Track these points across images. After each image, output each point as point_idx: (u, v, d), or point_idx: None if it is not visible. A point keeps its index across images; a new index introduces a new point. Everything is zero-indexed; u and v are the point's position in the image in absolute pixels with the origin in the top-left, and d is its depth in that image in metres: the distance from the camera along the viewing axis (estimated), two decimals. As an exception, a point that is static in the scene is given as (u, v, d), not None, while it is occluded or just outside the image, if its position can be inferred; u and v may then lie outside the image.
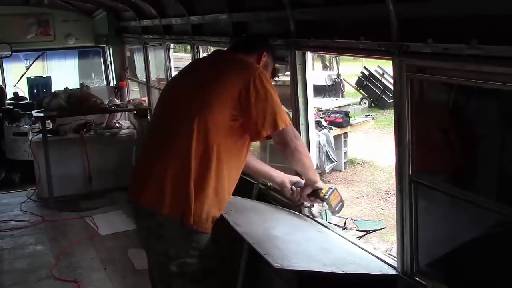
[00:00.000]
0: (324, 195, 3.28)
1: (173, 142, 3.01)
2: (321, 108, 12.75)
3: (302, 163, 3.20)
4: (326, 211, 3.60)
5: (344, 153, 11.77)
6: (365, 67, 19.30)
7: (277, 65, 3.53)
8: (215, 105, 2.98)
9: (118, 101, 8.01)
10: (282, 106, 3.11)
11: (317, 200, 3.38)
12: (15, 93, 9.52)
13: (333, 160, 11.15)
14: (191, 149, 2.93)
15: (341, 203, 3.34)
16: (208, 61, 3.46)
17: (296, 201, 3.46)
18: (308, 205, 3.55)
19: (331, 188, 3.30)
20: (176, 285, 3.06)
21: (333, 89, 18.07)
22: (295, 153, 3.13)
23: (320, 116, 11.68)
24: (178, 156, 2.96)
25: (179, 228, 2.97)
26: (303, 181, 3.37)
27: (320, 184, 3.32)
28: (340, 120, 11.80)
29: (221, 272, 3.26)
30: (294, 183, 3.41)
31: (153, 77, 7.89)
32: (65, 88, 7.58)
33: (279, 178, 3.45)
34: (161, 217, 2.97)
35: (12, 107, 8.87)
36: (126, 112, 8.42)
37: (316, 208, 3.67)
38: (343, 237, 3.40)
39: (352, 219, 3.74)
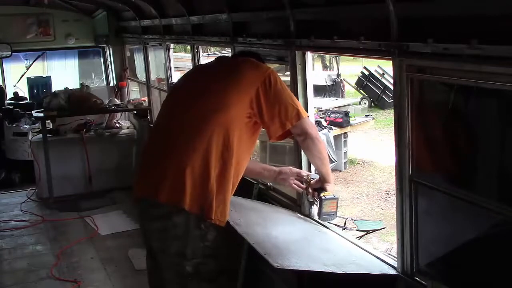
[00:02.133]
0: (323, 196, 3.35)
1: (190, 140, 3.03)
2: (321, 108, 12.76)
3: (321, 154, 3.29)
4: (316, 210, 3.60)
5: (344, 153, 11.77)
6: (365, 67, 19.30)
7: None
8: (232, 103, 3.06)
9: (118, 101, 8.01)
10: None
11: (315, 197, 3.45)
12: (15, 93, 9.53)
13: (333, 160, 11.15)
14: (212, 146, 2.99)
15: (332, 215, 3.42)
16: (217, 63, 3.51)
17: (304, 188, 3.54)
18: (311, 200, 3.59)
19: (334, 197, 3.37)
20: (191, 285, 3.07)
21: (333, 89, 18.07)
22: (316, 142, 3.23)
23: (320, 116, 11.69)
24: (197, 153, 2.98)
25: (195, 227, 3.00)
26: (316, 175, 3.45)
27: (329, 186, 3.38)
28: (340, 120, 11.81)
29: (232, 272, 3.28)
30: (306, 175, 3.51)
31: (153, 77, 7.88)
32: (65, 88, 7.58)
33: (278, 169, 3.55)
34: (177, 216, 2.98)
35: (12, 107, 8.88)
36: (126, 112, 8.43)
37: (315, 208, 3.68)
38: (343, 237, 3.40)
39: (352, 219, 3.74)
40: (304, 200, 3.78)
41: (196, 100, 3.15)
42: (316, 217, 3.62)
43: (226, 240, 3.11)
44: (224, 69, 3.32)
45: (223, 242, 3.09)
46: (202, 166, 2.97)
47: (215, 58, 3.62)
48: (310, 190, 3.48)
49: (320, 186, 3.40)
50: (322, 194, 3.36)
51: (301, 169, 3.74)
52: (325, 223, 3.60)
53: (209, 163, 2.98)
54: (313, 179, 3.48)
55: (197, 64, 5.68)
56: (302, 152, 3.70)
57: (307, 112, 3.76)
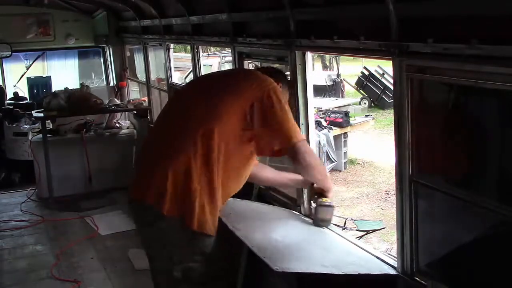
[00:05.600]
0: (319, 203, 3.38)
1: (178, 145, 3.00)
2: (321, 108, 12.75)
3: (315, 178, 3.29)
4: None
5: (344, 153, 11.77)
6: (365, 67, 19.30)
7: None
8: (223, 113, 3.00)
9: (118, 101, 8.01)
10: None
11: (314, 201, 3.48)
12: (15, 93, 9.52)
13: (333, 160, 11.15)
14: (197, 154, 2.94)
15: (326, 222, 3.44)
16: (223, 72, 3.52)
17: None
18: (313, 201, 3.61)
19: (330, 205, 3.38)
20: None
21: (333, 89, 18.07)
22: (309, 170, 3.19)
23: (320, 116, 11.68)
24: (182, 159, 2.95)
25: (181, 232, 2.97)
26: None
27: (329, 194, 3.37)
28: (340, 120, 11.80)
29: (229, 275, 3.26)
30: None
31: (153, 77, 7.89)
32: (65, 88, 7.58)
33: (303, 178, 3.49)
34: (162, 222, 2.96)
35: (12, 107, 8.87)
36: (126, 112, 8.43)
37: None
38: (343, 237, 3.40)
39: (352, 219, 3.74)
40: (304, 200, 3.79)
41: (191, 106, 3.14)
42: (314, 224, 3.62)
43: (217, 245, 3.07)
44: (225, 78, 3.31)
45: (213, 248, 3.05)
46: (185, 172, 2.93)
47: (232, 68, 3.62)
48: (311, 192, 3.49)
49: (320, 192, 3.41)
50: (319, 200, 3.39)
51: None
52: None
53: (193, 170, 2.93)
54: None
55: (196, 64, 5.69)
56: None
57: (308, 113, 3.78)
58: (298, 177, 3.57)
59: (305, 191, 3.78)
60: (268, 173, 3.55)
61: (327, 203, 3.37)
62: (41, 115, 7.23)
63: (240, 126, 3.02)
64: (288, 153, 3.09)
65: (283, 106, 3.06)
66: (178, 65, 11.37)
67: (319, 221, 3.45)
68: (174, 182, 2.93)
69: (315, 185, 3.46)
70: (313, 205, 3.60)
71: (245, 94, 3.05)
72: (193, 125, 3.01)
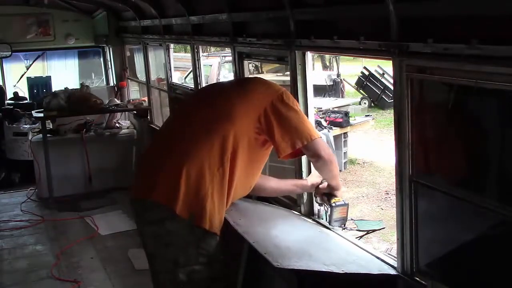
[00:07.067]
0: (333, 203, 3.41)
1: (190, 146, 3.04)
2: (321, 108, 12.74)
3: (332, 173, 3.35)
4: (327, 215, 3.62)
5: (344, 153, 11.76)
6: (365, 67, 19.29)
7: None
8: (237, 115, 3.07)
9: (118, 101, 8.02)
10: None
11: (325, 203, 3.50)
12: (15, 93, 9.53)
13: (333, 160, 11.10)
14: (211, 154, 2.99)
15: (342, 220, 3.47)
16: (231, 80, 3.58)
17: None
18: (319, 202, 3.62)
19: (344, 203, 3.44)
20: None
21: (333, 89, 18.06)
22: (328, 164, 3.25)
23: (320, 116, 11.67)
24: (195, 159, 2.99)
25: (188, 233, 2.98)
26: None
27: (339, 193, 3.45)
28: (340, 120, 11.79)
29: (227, 275, 3.27)
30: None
31: (153, 77, 7.89)
32: (65, 88, 7.58)
33: (309, 183, 3.58)
34: (170, 222, 2.97)
35: (12, 107, 8.88)
36: (126, 112, 8.43)
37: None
38: (343, 237, 3.40)
39: (352, 219, 3.73)
40: (304, 200, 3.79)
41: (201, 109, 3.21)
42: (327, 224, 3.63)
43: (221, 247, 3.09)
44: (234, 84, 3.42)
45: (218, 249, 3.07)
46: (198, 172, 2.97)
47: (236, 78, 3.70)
48: (319, 192, 3.53)
49: (329, 192, 3.46)
50: (332, 201, 3.42)
51: (302, 172, 3.79)
52: (325, 223, 3.60)
53: (206, 170, 2.97)
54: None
55: (196, 64, 5.70)
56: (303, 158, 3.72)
57: (308, 113, 3.78)
58: (303, 181, 3.63)
59: (305, 193, 3.78)
60: (272, 183, 3.60)
61: (341, 203, 3.43)
62: (41, 115, 7.23)
63: (254, 129, 3.10)
64: (310, 149, 3.17)
65: (297, 106, 3.21)
66: (178, 65, 11.36)
67: (336, 221, 3.46)
68: (187, 182, 2.96)
69: (321, 185, 3.49)
70: (325, 207, 3.59)
71: (258, 98, 3.14)
72: (207, 128, 3.06)
